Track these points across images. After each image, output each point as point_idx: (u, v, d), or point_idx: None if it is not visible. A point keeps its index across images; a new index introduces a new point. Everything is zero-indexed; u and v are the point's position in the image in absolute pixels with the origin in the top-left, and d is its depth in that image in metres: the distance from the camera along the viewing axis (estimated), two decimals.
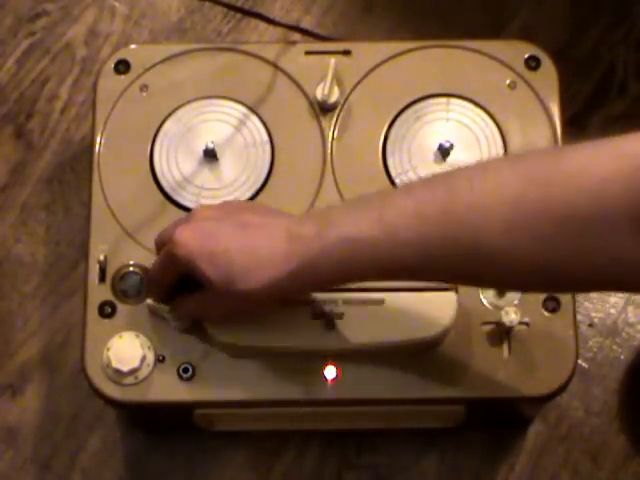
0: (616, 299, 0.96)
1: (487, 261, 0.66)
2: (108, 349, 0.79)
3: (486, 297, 0.81)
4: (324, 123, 0.87)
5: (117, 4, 1.07)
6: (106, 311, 0.81)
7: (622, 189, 0.61)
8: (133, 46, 0.92)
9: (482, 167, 0.69)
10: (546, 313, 0.81)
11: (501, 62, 0.89)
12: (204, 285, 0.73)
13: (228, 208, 0.76)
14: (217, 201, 0.84)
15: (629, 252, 0.62)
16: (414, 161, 0.86)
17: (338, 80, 0.87)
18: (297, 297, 0.77)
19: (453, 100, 0.88)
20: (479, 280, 0.71)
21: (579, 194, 0.62)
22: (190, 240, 0.73)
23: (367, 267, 0.69)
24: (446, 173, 0.69)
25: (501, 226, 0.64)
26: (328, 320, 0.78)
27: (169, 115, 0.87)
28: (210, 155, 0.85)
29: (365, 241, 0.68)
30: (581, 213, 0.62)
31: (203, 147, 0.85)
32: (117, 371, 0.79)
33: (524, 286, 0.72)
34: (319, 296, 0.79)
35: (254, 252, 0.71)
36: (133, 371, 0.79)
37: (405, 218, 0.67)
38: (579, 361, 0.81)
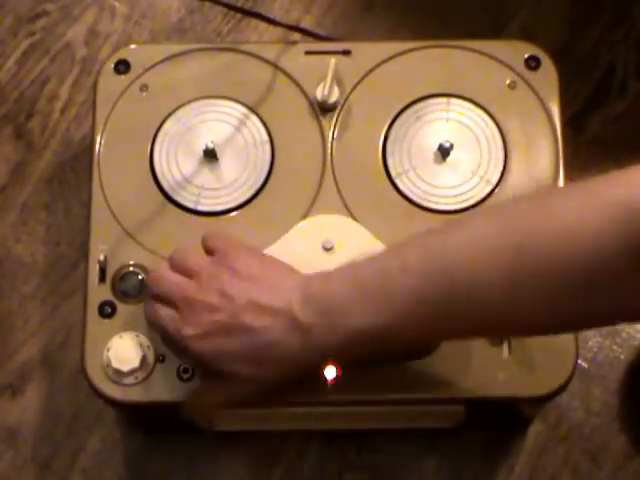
0: None
1: (492, 322, 0.68)
2: (108, 349, 0.79)
3: None
4: (324, 123, 0.87)
5: (117, 4, 1.07)
6: (106, 311, 0.81)
7: (617, 240, 0.61)
8: (133, 46, 0.92)
9: (472, 232, 0.69)
10: None
11: (501, 62, 0.89)
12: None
13: (224, 292, 0.75)
14: (217, 201, 0.84)
15: (634, 299, 0.63)
16: (414, 161, 0.86)
17: (338, 80, 0.87)
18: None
19: (453, 100, 0.88)
20: (487, 335, 0.74)
21: (575, 251, 0.63)
22: (205, 351, 0.74)
23: (382, 350, 0.72)
24: (436, 237, 0.70)
25: (501, 296, 0.66)
26: None
27: (169, 115, 0.87)
28: (210, 155, 0.85)
29: (376, 329, 0.70)
30: (580, 268, 0.63)
31: (203, 147, 0.85)
32: (117, 371, 0.79)
33: (532, 334, 0.75)
34: None
35: (272, 352, 0.72)
36: (133, 371, 0.79)
37: (408, 301, 0.68)
38: (579, 361, 0.81)
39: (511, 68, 0.89)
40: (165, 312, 0.75)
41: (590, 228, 0.63)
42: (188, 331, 0.74)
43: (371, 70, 0.89)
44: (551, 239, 0.64)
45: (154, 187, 0.85)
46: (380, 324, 0.69)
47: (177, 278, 0.76)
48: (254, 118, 0.87)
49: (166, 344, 0.78)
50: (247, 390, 0.75)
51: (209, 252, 0.79)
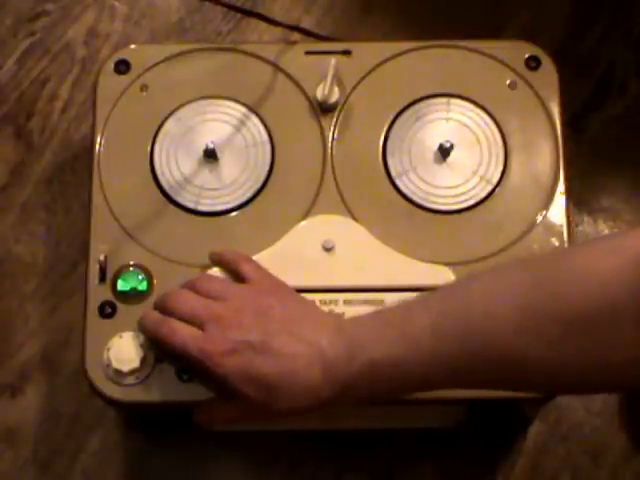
0: None
1: (503, 366, 0.68)
2: (108, 349, 0.79)
3: None
4: (324, 123, 0.87)
5: (117, 4, 1.07)
6: (106, 311, 0.81)
7: (623, 290, 0.62)
8: (133, 46, 0.92)
9: (495, 273, 0.71)
10: None
11: (501, 62, 0.89)
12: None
13: (260, 319, 0.75)
14: (217, 201, 0.84)
15: (634, 350, 0.63)
16: (414, 161, 0.86)
17: (338, 80, 0.87)
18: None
19: (453, 100, 0.88)
20: (498, 385, 0.73)
21: (582, 296, 0.64)
22: (230, 369, 0.73)
23: (394, 385, 0.72)
24: (461, 282, 0.73)
25: (513, 332, 0.66)
26: None
27: (169, 115, 0.87)
28: (210, 155, 0.85)
29: (391, 361, 0.70)
30: (586, 314, 0.64)
31: (203, 147, 0.85)
32: (117, 371, 0.79)
33: (535, 389, 0.74)
34: (319, 297, 0.79)
35: (291, 381, 0.72)
36: (133, 371, 0.79)
37: (424, 334, 0.69)
38: None
39: (511, 68, 0.89)
40: (186, 329, 0.75)
41: (598, 274, 0.64)
42: (212, 347, 0.73)
43: (371, 70, 0.89)
44: (561, 279, 0.66)
45: (154, 187, 0.85)
46: (395, 356, 0.70)
47: (202, 299, 0.76)
48: (254, 118, 0.87)
49: (175, 362, 0.78)
50: (260, 415, 0.75)
51: (240, 277, 0.79)
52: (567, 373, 0.67)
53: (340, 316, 0.77)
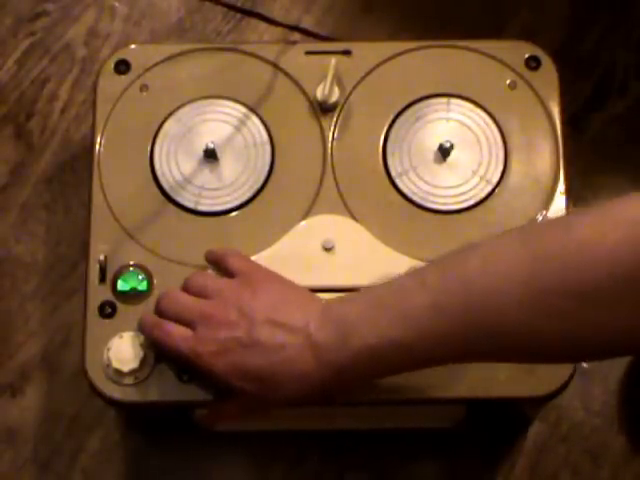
0: None
1: (508, 340, 0.67)
2: (108, 349, 0.79)
3: None
4: (324, 123, 0.87)
5: (117, 4, 1.07)
6: (106, 311, 0.81)
7: (631, 257, 0.62)
8: (133, 46, 0.92)
9: (492, 247, 0.69)
10: None
11: (501, 62, 0.89)
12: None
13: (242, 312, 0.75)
14: (217, 201, 0.84)
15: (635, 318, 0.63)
16: (414, 161, 0.86)
17: (338, 80, 0.87)
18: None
19: (453, 100, 0.88)
20: (505, 358, 0.72)
21: (590, 266, 0.63)
22: (223, 368, 0.74)
23: (396, 366, 0.72)
24: (456, 256, 0.70)
25: (517, 306, 0.66)
26: None
27: (169, 115, 0.87)
28: (210, 155, 0.85)
29: (391, 344, 0.70)
30: (594, 284, 0.63)
31: (203, 147, 0.85)
32: (117, 371, 0.79)
33: (546, 359, 0.73)
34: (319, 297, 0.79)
35: (284, 370, 0.73)
36: (133, 371, 0.79)
37: (425, 314, 0.68)
38: None
39: (511, 68, 0.89)
40: (178, 331, 0.76)
41: (604, 243, 0.63)
42: (203, 348, 0.74)
43: (371, 70, 0.89)
44: (567, 252, 0.64)
45: (154, 187, 0.85)
46: (395, 338, 0.69)
47: (194, 299, 0.77)
48: (254, 118, 0.87)
49: (174, 362, 0.78)
50: (260, 407, 0.76)
51: (228, 272, 0.79)
52: (584, 343, 0.66)
53: (327, 300, 0.76)
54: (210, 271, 0.81)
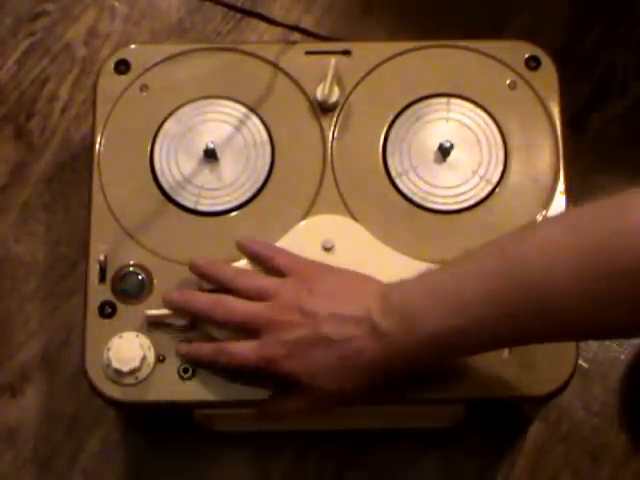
0: None
1: (561, 322, 0.68)
2: (108, 349, 0.79)
3: None
4: (324, 123, 0.87)
5: (117, 4, 1.07)
6: (106, 311, 0.81)
7: None
8: (133, 46, 0.92)
9: (546, 231, 0.70)
10: None
11: (501, 62, 0.89)
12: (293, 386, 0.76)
13: (304, 312, 0.75)
14: (217, 201, 0.84)
15: None
16: (414, 161, 0.86)
17: (338, 80, 0.87)
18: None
19: (453, 100, 0.88)
20: (556, 340, 0.74)
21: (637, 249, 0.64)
22: (295, 369, 0.75)
23: (457, 350, 0.74)
24: (510, 241, 0.71)
25: (571, 290, 0.66)
26: None
27: (169, 115, 0.87)
28: (210, 155, 0.85)
29: (451, 330, 0.71)
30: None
31: (203, 147, 0.85)
32: (117, 371, 0.79)
33: (600, 337, 0.77)
34: None
35: (354, 362, 0.74)
36: (133, 371, 0.79)
37: (482, 302, 0.69)
38: (579, 361, 0.81)
39: (511, 68, 0.89)
40: (241, 347, 0.76)
41: None
42: (272, 354, 0.75)
43: (371, 70, 0.89)
44: (615, 238, 0.65)
45: (154, 187, 0.85)
46: (454, 326, 0.70)
47: (253, 305, 0.77)
48: (254, 118, 0.87)
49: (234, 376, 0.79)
50: (328, 403, 0.76)
51: (276, 271, 0.79)
52: (621, 326, 0.67)
53: (384, 285, 0.76)
54: (243, 265, 0.81)
